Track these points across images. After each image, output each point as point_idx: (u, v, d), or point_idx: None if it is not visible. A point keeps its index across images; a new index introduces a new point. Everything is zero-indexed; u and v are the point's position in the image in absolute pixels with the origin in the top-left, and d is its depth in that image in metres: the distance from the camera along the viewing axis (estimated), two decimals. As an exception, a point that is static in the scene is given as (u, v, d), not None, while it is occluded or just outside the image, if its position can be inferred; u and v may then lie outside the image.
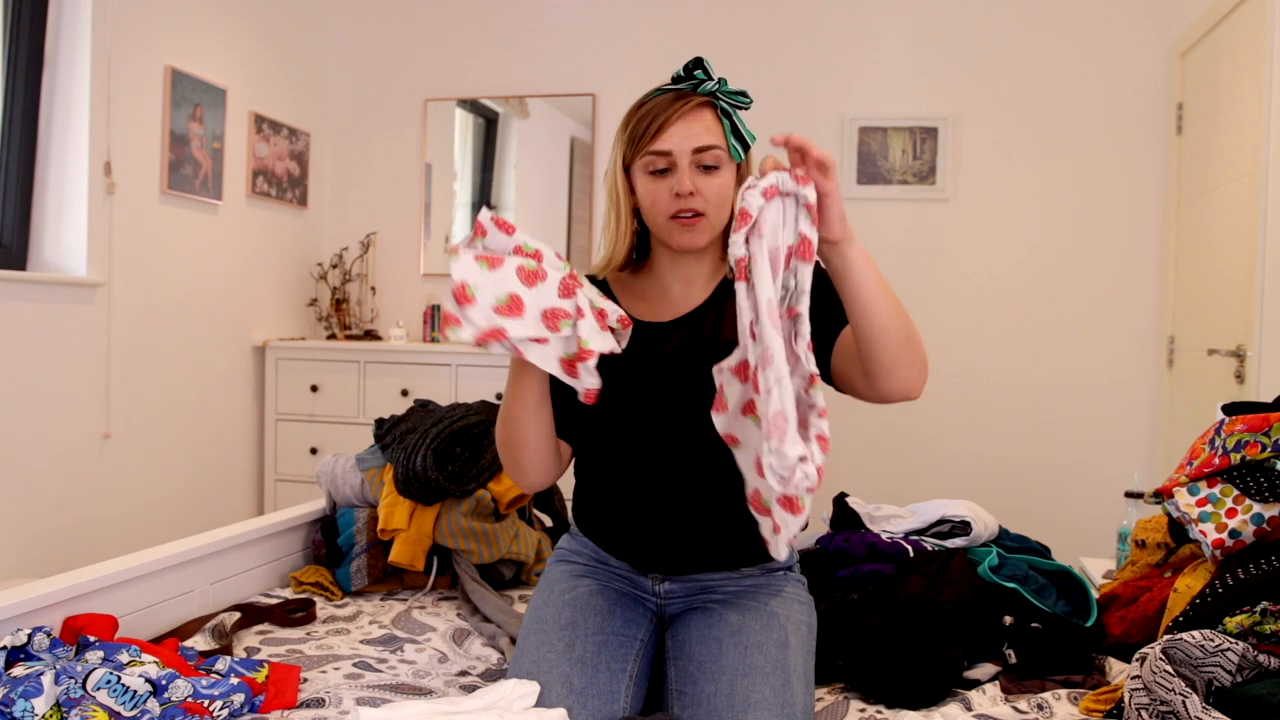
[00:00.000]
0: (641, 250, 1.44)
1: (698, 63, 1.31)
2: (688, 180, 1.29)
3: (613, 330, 1.19)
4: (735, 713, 1.18)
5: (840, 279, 1.14)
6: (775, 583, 1.39)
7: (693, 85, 1.32)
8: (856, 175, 3.64)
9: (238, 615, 1.69)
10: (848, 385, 1.28)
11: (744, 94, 1.33)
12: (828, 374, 1.31)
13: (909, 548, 1.68)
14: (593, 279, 1.46)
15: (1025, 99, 3.54)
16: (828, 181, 1.07)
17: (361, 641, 1.65)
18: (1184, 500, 1.51)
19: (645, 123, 1.30)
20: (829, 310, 1.27)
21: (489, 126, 4.01)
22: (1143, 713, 1.10)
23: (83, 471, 2.85)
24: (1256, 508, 1.43)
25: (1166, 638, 1.20)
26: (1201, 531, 1.46)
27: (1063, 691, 1.41)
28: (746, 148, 1.34)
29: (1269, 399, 1.66)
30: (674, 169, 1.30)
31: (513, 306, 1.10)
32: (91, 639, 1.32)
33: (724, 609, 1.33)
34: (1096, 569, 2.10)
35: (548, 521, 2.26)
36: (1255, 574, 1.36)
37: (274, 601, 1.83)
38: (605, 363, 1.18)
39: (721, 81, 1.32)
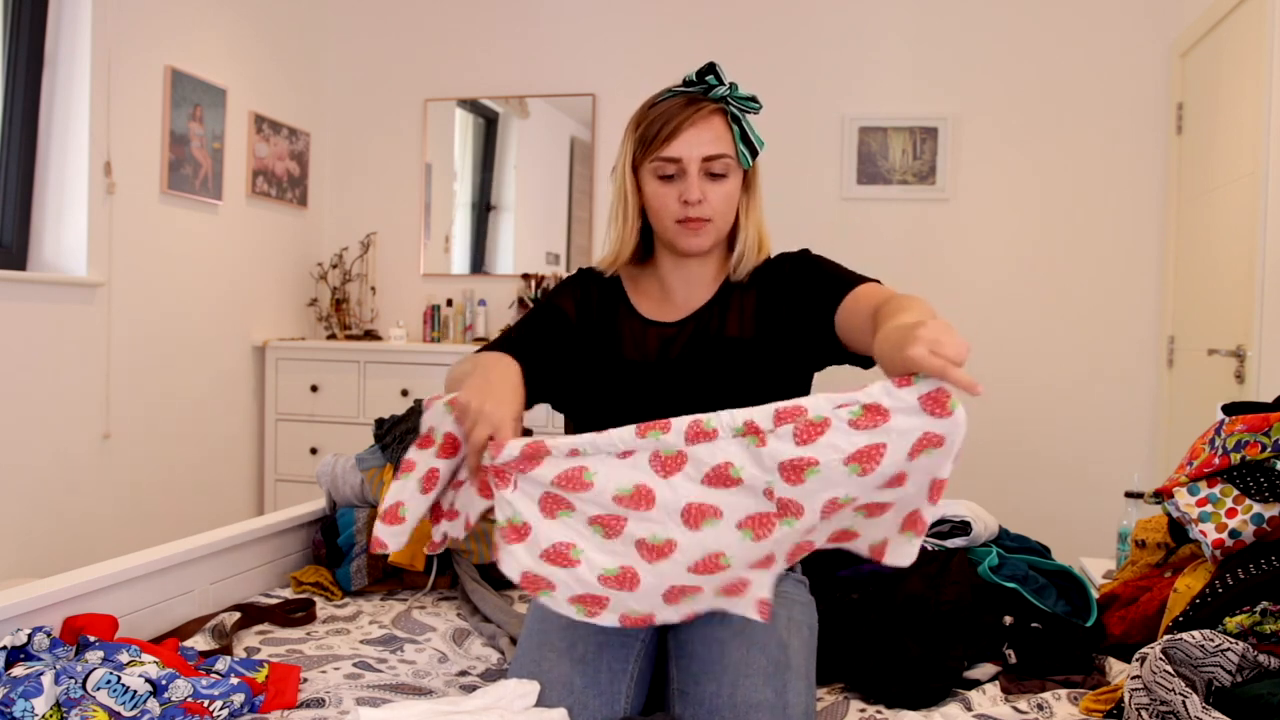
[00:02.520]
0: (645, 246, 1.45)
1: (710, 68, 1.31)
2: (697, 189, 1.29)
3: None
4: (737, 713, 1.18)
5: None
6: (777, 583, 1.39)
7: (704, 89, 1.32)
8: (856, 175, 3.64)
9: (238, 615, 1.69)
10: (863, 346, 1.27)
11: (754, 99, 1.34)
12: (839, 348, 1.31)
13: (909, 548, 1.68)
14: (600, 274, 1.47)
15: (1025, 99, 3.53)
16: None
17: (361, 641, 1.64)
18: (1184, 500, 1.51)
19: (656, 126, 1.30)
20: (820, 290, 1.28)
21: (489, 126, 4.01)
22: (1143, 713, 1.10)
23: (83, 471, 2.85)
24: (1256, 508, 1.43)
25: (1166, 638, 1.20)
26: (1201, 531, 1.46)
27: (1063, 691, 1.41)
28: (754, 153, 1.35)
29: (1269, 399, 1.66)
30: (683, 175, 1.30)
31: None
32: (91, 639, 1.32)
33: (725, 609, 1.33)
34: (1096, 569, 2.10)
35: (548, 521, 2.26)
36: (1255, 574, 1.36)
37: (274, 601, 1.83)
38: (615, 364, 1.17)
39: (733, 87, 1.32)
